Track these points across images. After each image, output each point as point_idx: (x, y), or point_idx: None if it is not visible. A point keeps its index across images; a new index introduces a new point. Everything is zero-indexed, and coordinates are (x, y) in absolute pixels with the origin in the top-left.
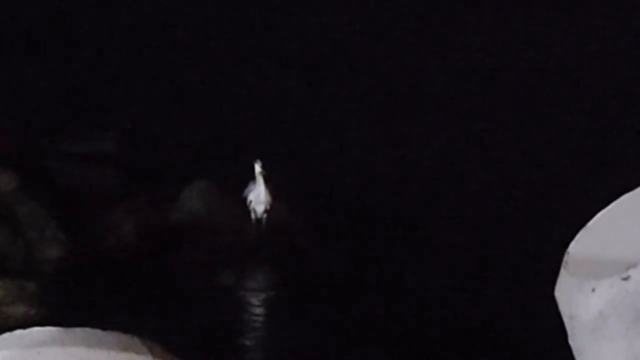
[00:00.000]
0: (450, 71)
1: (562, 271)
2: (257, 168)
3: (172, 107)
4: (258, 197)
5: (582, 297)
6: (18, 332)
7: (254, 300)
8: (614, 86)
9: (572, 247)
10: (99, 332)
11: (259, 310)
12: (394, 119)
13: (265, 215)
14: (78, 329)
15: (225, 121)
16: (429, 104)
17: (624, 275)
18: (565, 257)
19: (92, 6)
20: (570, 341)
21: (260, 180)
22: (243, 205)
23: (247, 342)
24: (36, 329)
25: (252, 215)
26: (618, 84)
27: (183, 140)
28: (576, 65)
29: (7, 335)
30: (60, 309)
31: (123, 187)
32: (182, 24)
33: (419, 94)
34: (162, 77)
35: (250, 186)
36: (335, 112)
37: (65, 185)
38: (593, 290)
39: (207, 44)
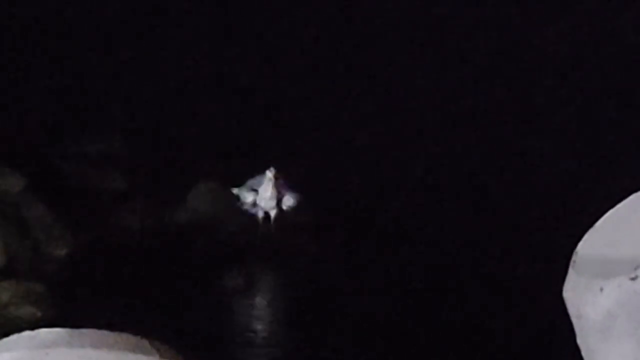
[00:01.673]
0: (455, 73)
1: (571, 271)
2: (269, 174)
3: (179, 108)
4: (266, 199)
5: (590, 297)
6: (26, 333)
7: (260, 301)
8: (621, 85)
9: (581, 246)
10: (106, 333)
11: (265, 311)
12: (401, 122)
13: (273, 217)
14: (86, 330)
15: (231, 122)
16: (434, 108)
17: (632, 275)
18: (574, 257)
19: (96, 6)
20: (579, 341)
21: (269, 183)
22: (249, 206)
23: (254, 343)
24: (44, 330)
25: (260, 217)
26: (625, 83)
27: (190, 142)
28: (583, 65)
29: (15, 336)
30: (67, 310)
31: (130, 189)
32: (186, 25)
33: (424, 98)
34: (168, 79)
35: (250, 182)
36: (342, 115)
37: (72, 187)
38: (601, 290)
39: (213, 45)
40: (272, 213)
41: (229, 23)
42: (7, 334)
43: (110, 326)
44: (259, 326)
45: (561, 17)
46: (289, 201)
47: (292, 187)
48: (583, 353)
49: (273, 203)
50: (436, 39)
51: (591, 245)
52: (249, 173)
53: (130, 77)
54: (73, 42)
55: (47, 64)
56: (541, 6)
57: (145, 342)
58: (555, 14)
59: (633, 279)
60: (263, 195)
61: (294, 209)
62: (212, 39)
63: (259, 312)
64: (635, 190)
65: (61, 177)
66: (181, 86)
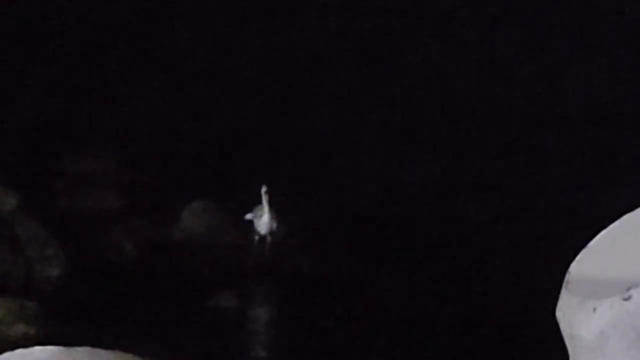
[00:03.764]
0: (452, 80)
1: (564, 291)
2: (263, 191)
3: (173, 127)
4: (261, 219)
5: (583, 317)
6: (19, 351)
7: (255, 320)
8: (618, 102)
9: (574, 267)
10: (100, 351)
11: (259, 330)
12: (398, 139)
13: (269, 238)
14: (79, 348)
15: (225, 141)
16: (429, 122)
17: (625, 296)
18: (567, 277)
19: (91, 24)
20: None
21: (264, 203)
22: (243, 225)
23: None
24: (37, 348)
25: (256, 237)
26: (622, 99)
27: (183, 160)
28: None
29: (8, 354)
30: (61, 328)
31: (124, 207)
32: (179, 43)
33: (418, 112)
34: (163, 97)
35: (255, 211)
36: (339, 132)
37: (66, 205)
38: (594, 310)
39: (206, 62)
40: (268, 232)
41: (222, 38)
42: (0, 352)
43: (103, 344)
44: (253, 346)
45: (567, 18)
46: (283, 221)
47: (288, 206)
48: None
49: (270, 223)
50: (435, 42)
51: (584, 265)
52: (243, 191)
53: (124, 95)
54: (67, 60)
55: (41, 81)
56: (546, 6)
57: None
58: (560, 14)
59: (626, 299)
60: (258, 214)
61: (289, 229)
62: (204, 55)
63: (254, 331)
64: (628, 212)
65: (55, 195)
66: (175, 105)
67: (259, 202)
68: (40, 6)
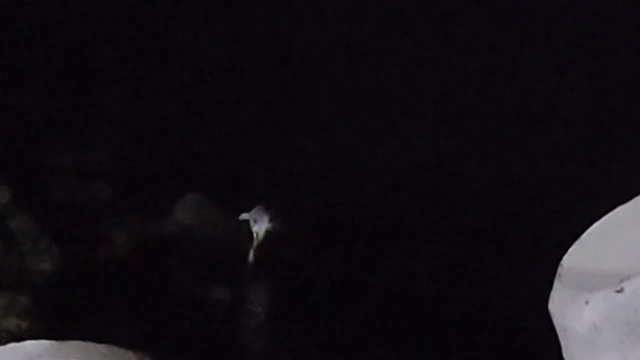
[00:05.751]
0: (444, 83)
1: (556, 284)
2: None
3: (166, 120)
4: (258, 218)
5: (575, 310)
6: (11, 345)
7: (249, 315)
8: (611, 98)
9: (566, 259)
10: (92, 344)
11: (253, 326)
12: (398, 139)
13: (264, 235)
14: (71, 342)
15: (219, 134)
16: (427, 121)
17: (617, 288)
18: (559, 270)
19: (82, 18)
20: (564, 354)
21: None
22: (236, 219)
23: (241, 356)
24: (29, 342)
25: (255, 236)
26: (618, 97)
27: (176, 153)
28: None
29: (0, 348)
30: (53, 322)
31: (117, 200)
32: (170, 38)
33: (417, 112)
34: (155, 89)
35: (251, 212)
36: (338, 131)
37: (58, 199)
38: (587, 302)
39: (205, 58)
40: (264, 230)
41: (220, 33)
42: None
43: (95, 338)
44: (246, 341)
45: (564, 18)
46: (279, 218)
47: (285, 203)
48: None
49: (265, 220)
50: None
51: (577, 258)
52: (236, 185)
53: (115, 88)
54: (57, 54)
55: (31, 75)
56: (545, 6)
57: (130, 354)
58: (558, 14)
59: (618, 291)
60: (254, 214)
61: (285, 226)
62: (201, 49)
63: (249, 326)
64: (620, 203)
65: (47, 189)
66: (167, 97)
67: (254, 198)
68: (33, 2)
